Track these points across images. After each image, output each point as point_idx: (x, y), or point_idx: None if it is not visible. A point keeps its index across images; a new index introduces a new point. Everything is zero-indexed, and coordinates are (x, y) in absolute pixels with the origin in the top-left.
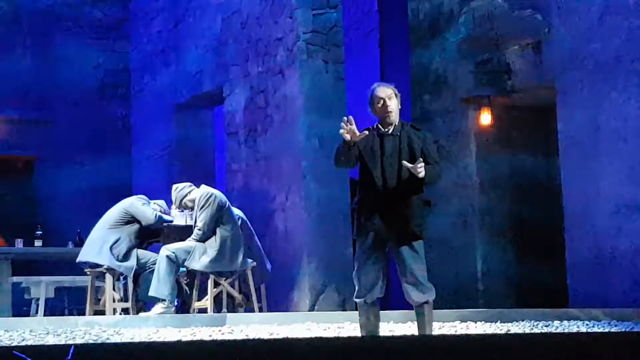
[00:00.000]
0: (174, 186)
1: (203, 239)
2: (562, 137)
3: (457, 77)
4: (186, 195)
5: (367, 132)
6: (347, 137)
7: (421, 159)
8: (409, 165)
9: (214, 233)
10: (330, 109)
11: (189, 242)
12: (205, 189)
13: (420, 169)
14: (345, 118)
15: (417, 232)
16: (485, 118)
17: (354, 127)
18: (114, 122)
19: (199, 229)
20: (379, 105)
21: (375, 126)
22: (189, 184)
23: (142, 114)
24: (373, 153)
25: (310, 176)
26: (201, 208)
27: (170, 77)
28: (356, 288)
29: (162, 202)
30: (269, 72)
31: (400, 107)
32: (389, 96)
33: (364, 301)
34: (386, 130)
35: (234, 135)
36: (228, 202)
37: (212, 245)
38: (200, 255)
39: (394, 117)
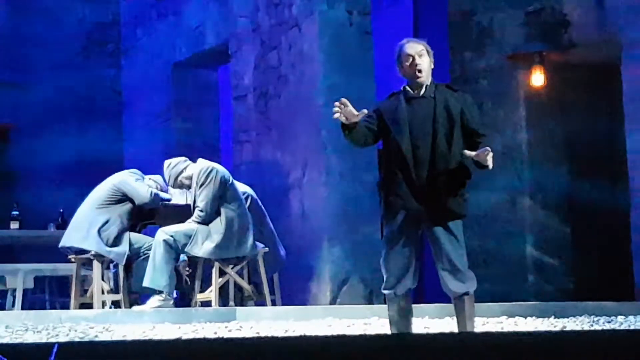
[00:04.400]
0: (166, 162)
1: (206, 220)
2: (628, 100)
3: (504, 30)
4: (181, 171)
5: (366, 111)
6: (343, 119)
7: (488, 148)
8: (472, 153)
9: (218, 213)
10: (354, 68)
11: (190, 225)
12: (203, 163)
13: (489, 159)
14: (337, 103)
15: (455, 210)
16: (537, 78)
17: (349, 108)
18: (101, 85)
19: (201, 210)
20: (407, 63)
21: (402, 89)
22: (183, 158)
23: (134, 75)
24: (399, 120)
25: (332, 147)
26: (201, 186)
27: (167, 32)
28: (384, 277)
29: (158, 178)
30: (282, 25)
31: (432, 66)
32: (419, 53)
33: (394, 293)
34: (416, 92)
35: (241, 99)
36: (231, 177)
37: (217, 228)
38: (204, 240)
39: (425, 77)
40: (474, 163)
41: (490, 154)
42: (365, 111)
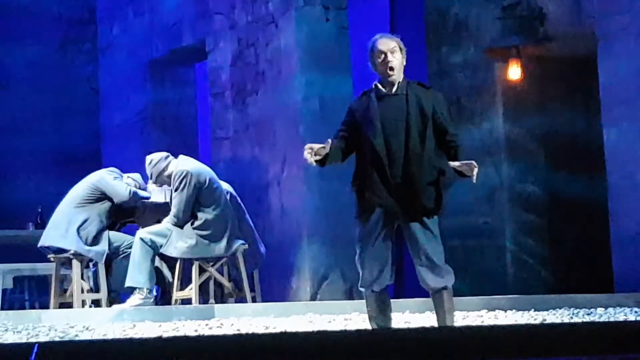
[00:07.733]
0: (148, 158)
1: (180, 224)
2: (605, 93)
3: (480, 24)
4: (163, 169)
5: (330, 140)
6: (313, 160)
7: (474, 162)
8: (456, 164)
9: (194, 216)
10: (332, 64)
11: (167, 225)
12: (181, 165)
13: (475, 174)
14: (305, 153)
15: (431, 206)
16: (514, 72)
17: (316, 147)
18: (78, 83)
19: (174, 215)
20: (380, 60)
21: (373, 86)
22: (164, 154)
23: (111, 73)
24: (371, 118)
25: (310, 143)
26: (176, 190)
27: (143, 29)
28: (360, 275)
29: (136, 176)
30: (259, 21)
31: (405, 63)
32: (391, 50)
33: (371, 290)
34: (388, 90)
35: (219, 96)
36: (210, 177)
37: (190, 229)
38: (178, 240)
39: (396, 74)
40: (456, 172)
41: (476, 169)
42: (330, 140)
